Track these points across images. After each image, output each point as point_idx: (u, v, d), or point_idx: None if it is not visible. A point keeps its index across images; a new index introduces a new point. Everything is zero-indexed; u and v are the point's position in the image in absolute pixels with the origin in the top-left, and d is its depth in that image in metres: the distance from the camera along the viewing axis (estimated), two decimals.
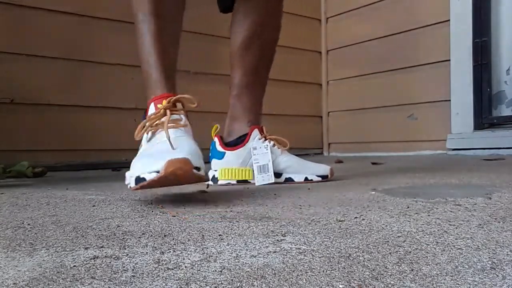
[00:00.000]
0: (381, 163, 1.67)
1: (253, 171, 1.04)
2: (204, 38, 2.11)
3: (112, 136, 1.86)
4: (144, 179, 0.67)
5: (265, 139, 1.07)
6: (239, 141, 1.08)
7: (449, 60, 2.08)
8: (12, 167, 1.43)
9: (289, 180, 1.05)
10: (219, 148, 1.08)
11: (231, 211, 0.63)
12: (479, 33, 1.98)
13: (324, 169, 1.07)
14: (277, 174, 1.04)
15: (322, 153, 2.63)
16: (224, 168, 1.06)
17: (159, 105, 0.80)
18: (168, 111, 0.78)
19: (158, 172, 0.65)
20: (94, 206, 0.72)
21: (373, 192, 0.79)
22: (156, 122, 0.77)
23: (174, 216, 0.60)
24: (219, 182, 1.05)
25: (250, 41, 1.09)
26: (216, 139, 1.09)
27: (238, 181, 1.05)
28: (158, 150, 0.71)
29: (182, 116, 0.79)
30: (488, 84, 1.98)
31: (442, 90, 2.12)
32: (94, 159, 1.84)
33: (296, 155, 1.10)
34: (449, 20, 2.07)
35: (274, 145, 1.06)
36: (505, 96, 1.99)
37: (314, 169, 1.07)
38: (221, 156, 1.07)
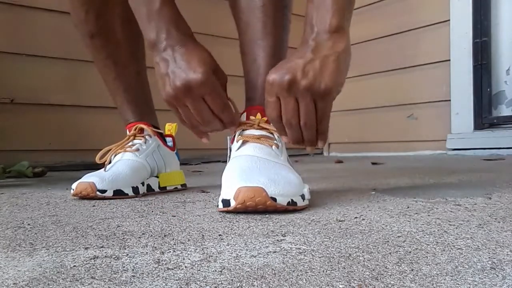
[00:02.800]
0: (381, 163, 1.67)
1: None
2: (204, 38, 2.11)
3: (112, 136, 1.85)
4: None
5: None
6: None
7: (449, 60, 2.08)
8: (12, 167, 1.43)
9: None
10: None
11: (231, 211, 0.63)
12: (479, 33, 1.98)
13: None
14: None
15: (322, 153, 2.63)
16: None
17: (128, 132, 0.92)
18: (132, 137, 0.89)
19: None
20: (94, 206, 0.72)
21: (373, 192, 0.79)
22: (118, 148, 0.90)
23: (174, 216, 0.60)
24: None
25: None
26: None
27: None
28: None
29: (143, 140, 0.89)
30: (488, 84, 1.98)
31: (442, 90, 2.12)
32: (94, 159, 1.83)
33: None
34: (449, 20, 2.07)
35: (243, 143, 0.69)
36: (505, 96, 1.99)
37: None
38: None
